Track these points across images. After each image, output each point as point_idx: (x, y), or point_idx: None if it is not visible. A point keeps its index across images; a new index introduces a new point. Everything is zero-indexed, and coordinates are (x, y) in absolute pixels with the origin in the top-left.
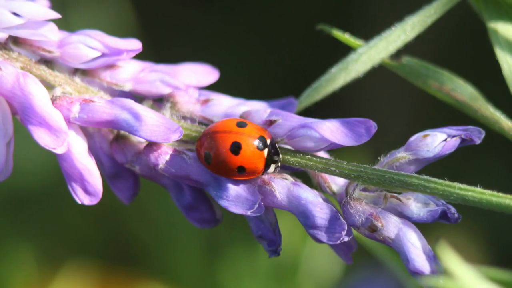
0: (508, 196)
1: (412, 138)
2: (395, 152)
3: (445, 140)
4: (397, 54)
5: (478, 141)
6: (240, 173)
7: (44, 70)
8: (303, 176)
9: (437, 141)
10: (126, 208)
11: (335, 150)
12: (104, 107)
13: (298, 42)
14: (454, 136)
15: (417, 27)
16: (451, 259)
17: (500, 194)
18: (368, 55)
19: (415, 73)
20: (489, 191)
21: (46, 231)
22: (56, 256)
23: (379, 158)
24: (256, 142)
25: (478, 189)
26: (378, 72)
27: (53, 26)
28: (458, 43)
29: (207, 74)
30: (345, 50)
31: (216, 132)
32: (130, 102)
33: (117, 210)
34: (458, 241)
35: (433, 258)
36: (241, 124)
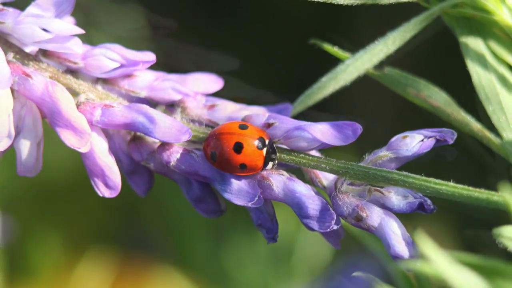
0: (477, 189)
1: (393, 139)
2: (378, 151)
3: (422, 140)
4: (380, 65)
5: (451, 141)
6: (242, 170)
7: (70, 79)
8: (297, 173)
9: (415, 142)
10: (142, 200)
11: (326, 149)
12: (122, 112)
13: (293, 54)
14: (430, 137)
15: (397, 41)
16: (427, 245)
17: (470, 188)
18: (354, 66)
19: (395, 82)
20: (460, 185)
21: (72, 221)
22: (80, 243)
23: (364, 156)
24: (256, 142)
25: (451, 183)
26: (363, 81)
27: (78, 40)
28: (433, 55)
29: (213, 82)
30: (334, 62)
31: (221, 133)
32: (145, 107)
33: (134, 202)
34: (434, 230)
35: (412, 244)
36: (243, 127)
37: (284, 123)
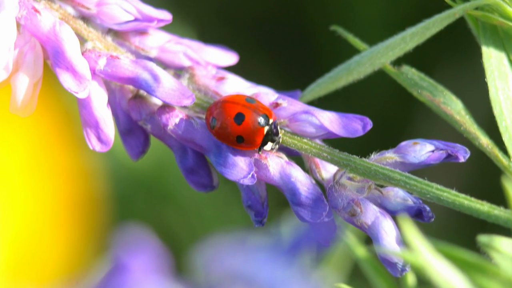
0: (479, 201)
1: (403, 143)
2: (384, 152)
3: (432, 151)
4: (397, 62)
5: (462, 160)
6: (238, 142)
7: (80, 24)
8: (298, 161)
9: (424, 150)
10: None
11: (328, 143)
12: (128, 65)
13: (295, 51)
14: (441, 149)
15: (416, 38)
16: (411, 233)
17: (472, 199)
18: (369, 59)
19: (411, 82)
20: (462, 195)
21: None
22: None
23: (370, 154)
24: (259, 118)
25: (453, 191)
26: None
27: None
28: (452, 60)
29: (227, 56)
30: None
31: (225, 101)
32: (152, 65)
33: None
34: (445, 232)
35: (404, 248)
36: (250, 100)
37: (293, 105)
